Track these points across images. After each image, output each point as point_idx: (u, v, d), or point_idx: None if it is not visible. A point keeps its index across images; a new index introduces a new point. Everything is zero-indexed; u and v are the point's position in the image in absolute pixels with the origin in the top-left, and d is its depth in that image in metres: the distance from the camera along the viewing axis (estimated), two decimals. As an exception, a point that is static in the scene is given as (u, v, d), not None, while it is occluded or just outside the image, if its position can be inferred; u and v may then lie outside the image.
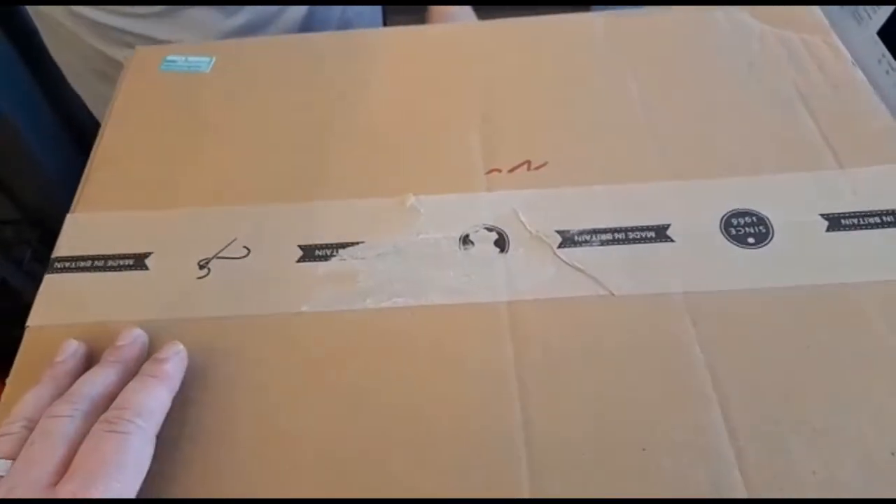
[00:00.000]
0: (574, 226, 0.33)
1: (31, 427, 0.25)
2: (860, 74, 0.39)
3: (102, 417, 0.25)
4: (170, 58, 0.43)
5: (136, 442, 0.24)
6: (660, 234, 0.33)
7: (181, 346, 0.29)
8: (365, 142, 0.37)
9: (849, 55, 0.40)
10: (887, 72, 0.74)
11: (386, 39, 0.44)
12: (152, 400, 0.26)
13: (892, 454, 0.26)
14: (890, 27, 0.75)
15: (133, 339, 0.29)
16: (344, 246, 0.33)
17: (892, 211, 0.32)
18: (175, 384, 0.28)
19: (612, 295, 0.31)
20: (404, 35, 0.44)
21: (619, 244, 0.32)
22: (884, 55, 0.75)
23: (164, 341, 0.30)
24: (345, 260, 0.33)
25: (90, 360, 0.29)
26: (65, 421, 0.25)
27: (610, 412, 0.28)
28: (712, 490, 0.26)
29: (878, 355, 0.28)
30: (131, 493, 0.24)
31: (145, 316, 0.31)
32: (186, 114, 0.40)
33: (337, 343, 0.30)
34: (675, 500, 0.25)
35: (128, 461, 0.24)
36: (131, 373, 0.28)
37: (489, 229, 0.33)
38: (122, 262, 0.33)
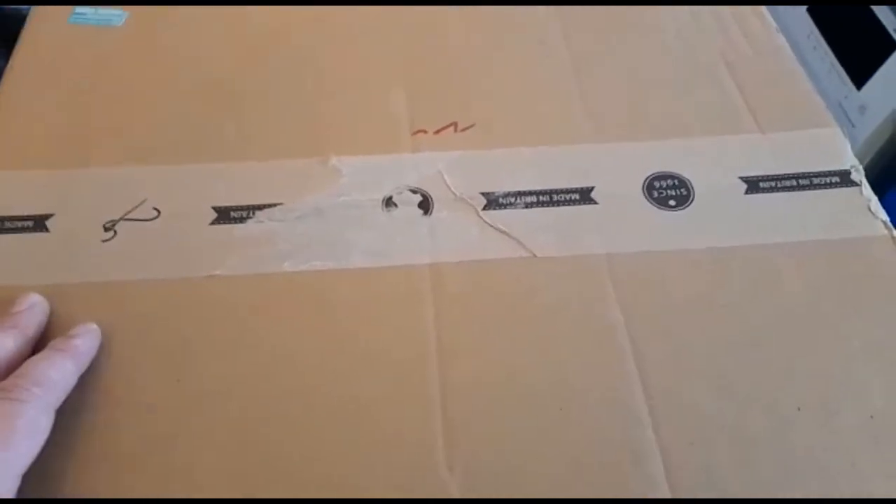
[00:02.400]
0: (499, 188, 0.33)
1: None
2: (783, 41, 0.39)
3: (0, 385, 0.23)
4: (79, 9, 0.40)
5: (31, 411, 0.23)
6: (584, 196, 0.32)
7: (94, 326, 0.27)
8: (284, 100, 0.36)
9: (773, 22, 0.40)
10: (815, 48, 0.76)
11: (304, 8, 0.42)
12: (54, 371, 0.24)
13: (799, 409, 0.26)
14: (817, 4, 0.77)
15: (30, 304, 0.27)
16: (261, 207, 0.32)
17: (808, 174, 0.33)
18: (83, 361, 0.26)
19: (535, 257, 0.31)
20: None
21: (543, 206, 0.32)
22: (812, 31, 0.77)
23: (66, 307, 0.29)
24: (262, 222, 0.31)
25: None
26: None
27: (529, 372, 0.27)
28: (628, 448, 0.26)
29: (792, 314, 0.29)
30: (21, 465, 0.22)
31: (45, 281, 0.29)
32: (95, 69, 0.37)
33: (252, 307, 0.29)
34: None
35: (19, 429, 0.22)
36: (29, 340, 0.26)
37: (413, 191, 0.33)
38: (19, 224, 0.31)
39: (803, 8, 0.77)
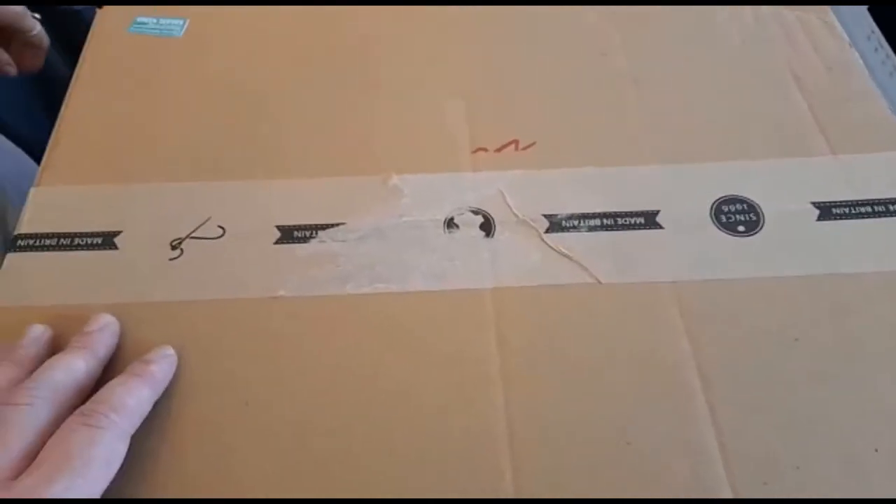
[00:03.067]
0: (562, 210, 0.32)
1: None
2: (856, 56, 0.38)
3: (78, 411, 0.24)
4: (140, 19, 0.41)
5: (108, 437, 0.23)
6: (649, 220, 0.32)
7: (171, 351, 0.28)
8: (346, 116, 0.36)
9: (845, 35, 0.39)
10: (876, 49, 0.73)
11: (367, 11, 0.42)
12: (131, 398, 0.25)
13: (876, 451, 0.26)
14: (880, 4, 0.74)
15: (102, 325, 0.28)
16: (324, 227, 0.32)
17: (884, 200, 0.32)
18: (159, 387, 0.27)
19: (599, 283, 0.30)
20: (385, 9, 0.41)
21: (607, 230, 0.32)
22: (873, 31, 0.74)
23: (135, 327, 0.29)
24: (324, 242, 0.32)
25: (56, 347, 0.28)
26: (23, 409, 0.23)
27: (594, 404, 0.27)
28: (695, 483, 0.25)
29: (867, 349, 0.28)
30: (97, 493, 0.23)
31: (114, 299, 0.30)
32: (157, 81, 0.37)
33: (315, 330, 0.29)
34: (670, 500, 0.25)
35: (96, 456, 0.23)
36: (100, 361, 0.27)
37: (475, 212, 0.32)
38: (89, 241, 0.32)
39: (864, 7, 0.74)
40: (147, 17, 0.41)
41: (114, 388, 0.25)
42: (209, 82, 0.37)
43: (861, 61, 0.37)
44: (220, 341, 0.29)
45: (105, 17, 0.41)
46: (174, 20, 0.40)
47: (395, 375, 0.28)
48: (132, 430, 0.25)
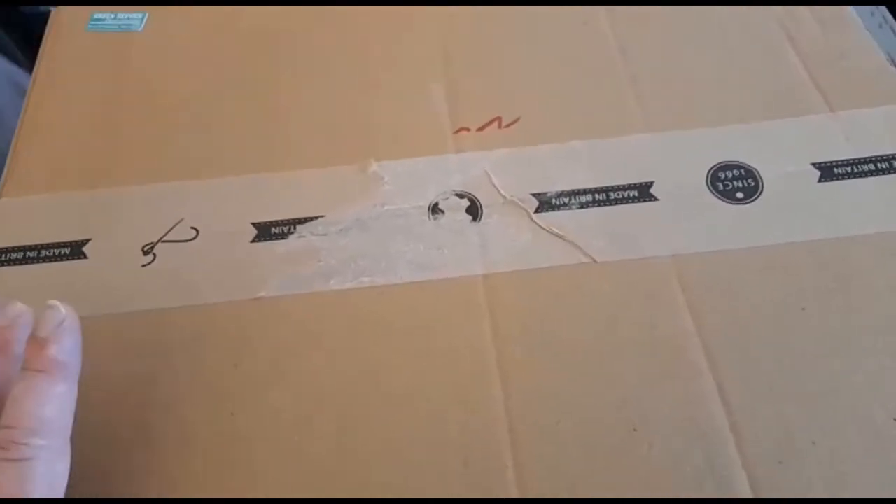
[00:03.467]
0: (551, 187, 0.31)
1: None
2: (849, 9, 0.36)
3: None
4: (97, 15, 0.39)
5: (41, 467, 0.20)
6: (643, 192, 0.30)
7: (62, 312, 0.22)
8: (318, 104, 0.34)
9: (837, -13, 0.37)
10: (880, 25, 0.71)
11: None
12: (46, 407, 0.20)
13: (894, 419, 0.24)
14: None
15: (13, 316, 0.23)
16: (302, 221, 0.30)
17: (887, 157, 0.30)
18: (72, 370, 0.21)
19: (595, 262, 0.29)
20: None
21: (599, 205, 0.30)
22: (877, 7, 0.72)
23: (109, 339, 0.28)
24: (304, 237, 0.30)
25: None
26: None
27: (596, 391, 0.26)
28: (707, 467, 0.24)
29: (876, 314, 0.27)
30: None
31: (87, 311, 0.28)
32: (118, 79, 0.36)
33: (300, 330, 0.28)
34: (669, 500, 0.24)
35: (35, 491, 0.19)
36: (12, 361, 0.22)
37: (460, 196, 0.31)
38: (57, 252, 0.30)
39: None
40: (104, 13, 0.39)
41: (21, 401, 0.20)
42: (173, 78, 0.35)
43: (855, 14, 0.36)
44: (200, 350, 0.27)
45: (60, 16, 0.39)
46: (133, 14, 0.38)
47: (387, 373, 0.27)
48: (66, 441, 0.21)
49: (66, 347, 0.21)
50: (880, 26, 0.71)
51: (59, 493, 0.20)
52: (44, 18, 0.76)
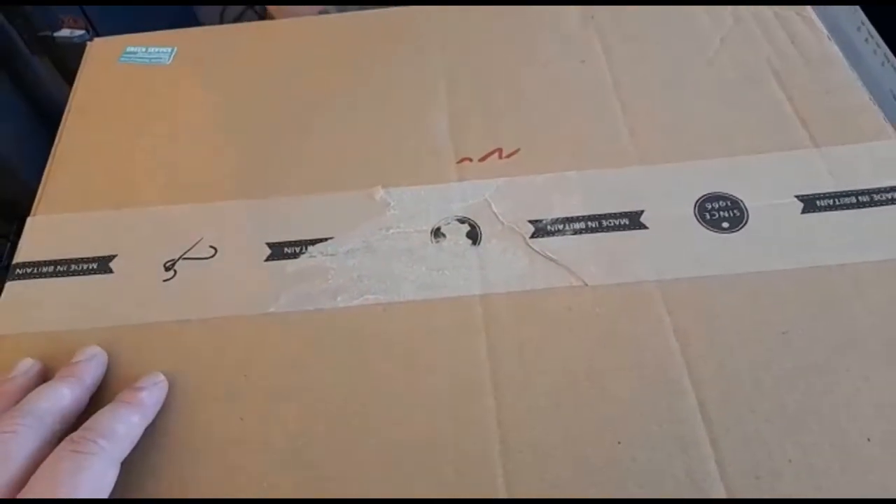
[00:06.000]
0: (546, 214, 0.33)
1: None
2: (835, 48, 0.38)
3: (67, 438, 0.24)
4: (130, 49, 0.42)
5: (97, 464, 0.23)
6: (633, 220, 0.32)
7: (161, 377, 0.28)
8: (331, 133, 0.36)
9: (823, 28, 0.39)
10: (866, 39, 0.73)
11: (348, 24, 0.42)
12: (120, 424, 0.25)
13: (868, 440, 0.26)
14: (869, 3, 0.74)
15: (89, 355, 0.28)
16: (313, 242, 0.32)
17: (868, 191, 0.32)
18: (149, 413, 0.27)
19: (586, 285, 0.30)
20: (365, 19, 0.42)
21: (592, 232, 0.32)
22: (863, 23, 0.74)
23: (131, 348, 0.30)
24: (314, 257, 0.32)
25: (46, 378, 0.28)
26: (7, 437, 0.23)
27: (585, 406, 0.27)
28: (688, 481, 0.25)
29: (854, 338, 0.28)
30: None
31: (111, 322, 0.30)
32: (147, 109, 0.38)
33: (308, 343, 0.30)
34: (666, 500, 0.25)
35: (84, 483, 0.23)
36: (87, 389, 0.27)
37: (461, 221, 0.33)
38: (85, 266, 0.32)
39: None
40: (136, 46, 0.42)
41: (103, 415, 0.25)
42: (195, 109, 0.38)
43: (840, 53, 0.37)
44: (214, 359, 0.29)
45: (96, 49, 0.42)
46: (162, 49, 0.41)
47: (387, 385, 0.28)
48: (122, 457, 0.25)
49: (153, 395, 0.27)
50: (882, 64, 0.73)
51: (103, 497, 0.23)
52: (75, 47, 0.81)
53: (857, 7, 0.75)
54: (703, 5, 0.41)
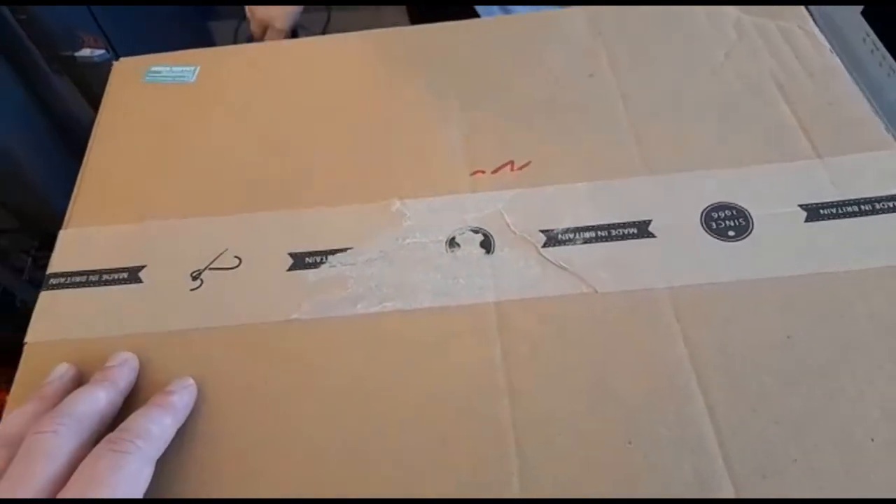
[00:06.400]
0: (558, 224, 0.34)
1: (12, 446, 0.25)
2: (837, 61, 0.39)
3: (105, 438, 0.26)
4: (154, 68, 0.43)
5: (134, 462, 0.25)
6: (641, 230, 0.33)
7: (191, 381, 0.30)
8: (346, 148, 0.38)
9: (826, 42, 0.40)
10: (872, 51, 0.74)
11: (363, 42, 0.44)
12: (154, 425, 0.27)
13: (872, 440, 0.27)
14: (873, 6, 0.75)
15: (122, 361, 0.30)
16: (333, 252, 0.34)
17: (870, 199, 0.33)
18: (180, 415, 0.28)
19: (597, 292, 0.31)
20: (379, 38, 0.44)
21: (602, 241, 0.33)
22: (868, 34, 0.75)
23: (160, 354, 0.31)
24: (334, 266, 0.33)
25: (81, 381, 0.30)
26: (48, 436, 0.25)
27: (596, 408, 0.28)
28: (696, 481, 0.26)
29: (858, 342, 0.29)
30: None
31: (140, 329, 0.32)
32: (172, 125, 0.40)
33: (328, 349, 0.31)
34: (673, 500, 0.26)
35: (122, 480, 0.24)
36: (121, 392, 0.29)
37: (475, 231, 0.34)
38: (116, 276, 0.34)
39: (858, 9, 0.76)
40: (161, 65, 0.43)
41: (138, 417, 0.27)
42: (218, 125, 0.40)
43: (842, 66, 0.39)
44: (239, 364, 0.31)
45: (121, 68, 0.44)
46: (186, 67, 0.43)
47: (404, 388, 0.30)
48: (157, 456, 0.26)
49: (183, 399, 0.29)
50: (888, 75, 0.74)
51: (140, 493, 0.25)
52: (95, 67, 0.83)
53: (862, 18, 0.76)
54: (707, 19, 0.42)
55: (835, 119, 0.36)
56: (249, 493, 0.28)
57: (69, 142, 0.91)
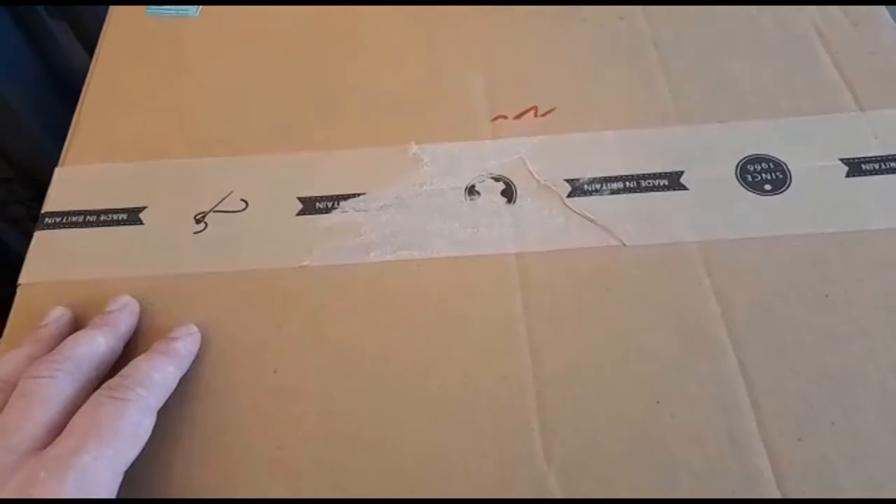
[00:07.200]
0: (584, 174, 0.32)
1: (4, 391, 0.24)
2: (882, 10, 0.37)
3: (105, 385, 0.24)
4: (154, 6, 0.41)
5: (135, 410, 0.23)
6: (673, 181, 0.31)
7: (195, 328, 0.28)
8: (363, 88, 0.36)
9: (871, -9, 0.38)
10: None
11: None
12: (157, 372, 0.25)
13: (913, 402, 0.25)
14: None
15: (122, 305, 0.28)
16: (345, 198, 0.32)
17: (915, 154, 0.31)
18: (184, 363, 0.27)
19: (624, 245, 0.30)
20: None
21: (630, 192, 0.31)
22: None
23: (162, 299, 0.29)
24: (346, 212, 0.32)
25: (77, 325, 0.28)
26: (44, 381, 0.23)
27: (623, 364, 0.27)
28: (728, 441, 0.25)
29: (897, 303, 0.28)
30: (124, 464, 0.23)
31: (141, 272, 0.30)
32: (175, 61, 0.38)
33: (340, 298, 0.29)
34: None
35: (123, 428, 0.23)
36: (121, 337, 0.27)
37: (496, 179, 0.32)
38: (115, 217, 0.32)
39: None
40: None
41: (140, 363, 0.25)
42: (225, 61, 0.37)
43: (888, 15, 0.36)
44: (246, 311, 0.29)
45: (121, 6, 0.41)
46: (189, 6, 0.40)
47: (421, 340, 0.28)
48: (158, 405, 0.25)
49: (187, 346, 0.27)
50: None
51: (140, 443, 0.24)
52: (94, 13, 0.79)
53: None
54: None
55: (878, 70, 0.34)
56: (262, 441, 0.26)
57: (66, 89, 0.88)
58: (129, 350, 0.28)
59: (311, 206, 0.32)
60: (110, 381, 0.24)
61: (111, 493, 0.22)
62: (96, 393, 0.24)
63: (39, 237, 0.32)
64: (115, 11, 0.41)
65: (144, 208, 0.32)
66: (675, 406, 0.26)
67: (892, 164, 0.31)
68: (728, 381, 0.26)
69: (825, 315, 0.27)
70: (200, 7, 0.40)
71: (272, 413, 0.27)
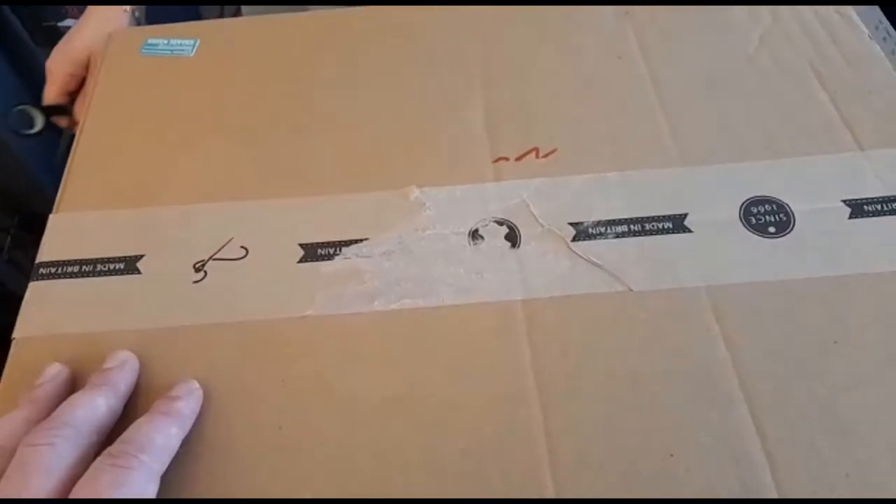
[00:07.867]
0: (588, 217, 0.32)
1: (4, 455, 0.23)
2: (876, 48, 0.37)
3: (106, 451, 0.23)
4: (151, 41, 0.40)
5: (138, 478, 0.22)
6: (677, 224, 0.31)
7: (196, 385, 0.27)
8: (362, 131, 0.35)
9: (864, 28, 0.38)
10: (885, 38, 0.72)
11: (380, 16, 0.41)
12: (159, 435, 0.24)
13: (926, 452, 0.25)
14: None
15: (121, 361, 0.27)
16: (347, 244, 0.31)
17: (917, 195, 0.31)
18: (187, 423, 0.26)
19: (631, 290, 0.30)
20: (399, 13, 0.41)
21: (635, 235, 0.31)
22: (881, 21, 0.73)
23: (161, 352, 0.29)
24: (349, 258, 0.31)
25: (75, 382, 0.27)
26: (43, 450, 0.23)
27: (633, 416, 0.27)
28: (744, 495, 0.25)
29: (906, 347, 0.28)
30: None
31: (139, 325, 0.30)
32: (171, 103, 0.37)
33: (344, 348, 0.29)
34: (693, 500, 0.24)
35: (125, 496, 0.22)
36: (121, 397, 0.26)
37: (499, 223, 0.32)
38: (112, 266, 0.31)
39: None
40: (158, 38, 0.40)
41: (141, 426, 0.25)
42: (223, 102, 0.37)
43: (882, 53, 0.37)
44: (248, 364, 0.28)
45: (116, 41, 0.41)
46: (185, 41, 0.40)
47: (426, 390, 0.28)
48: (161, 470, 0.24)
49: (189, 405, 0.26)
50: (893, 52, 0.72)
51: None
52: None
53: (877, 6, 0.74)
54: (739, 4, 0.40)
55: (876, 109, 0.34)
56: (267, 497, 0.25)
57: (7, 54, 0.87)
58: (129, 406, 0.27)
59: (312, 252, 0.31)
60: (111, 448, 0.23)
61: None
62: (97, 460, 0.23)
63: (34, 288, 0.31)
64: (109, 50, 0.40)
65: (142, 256, 0.31)
66: (689, 459, 0.26)
67: (894, 205, 0.31)
68: (740, 432, 0.26)
69: (833, 362, 0.27)
70: (196, 46, 0.40)
71: (279, 471, 0.26)
